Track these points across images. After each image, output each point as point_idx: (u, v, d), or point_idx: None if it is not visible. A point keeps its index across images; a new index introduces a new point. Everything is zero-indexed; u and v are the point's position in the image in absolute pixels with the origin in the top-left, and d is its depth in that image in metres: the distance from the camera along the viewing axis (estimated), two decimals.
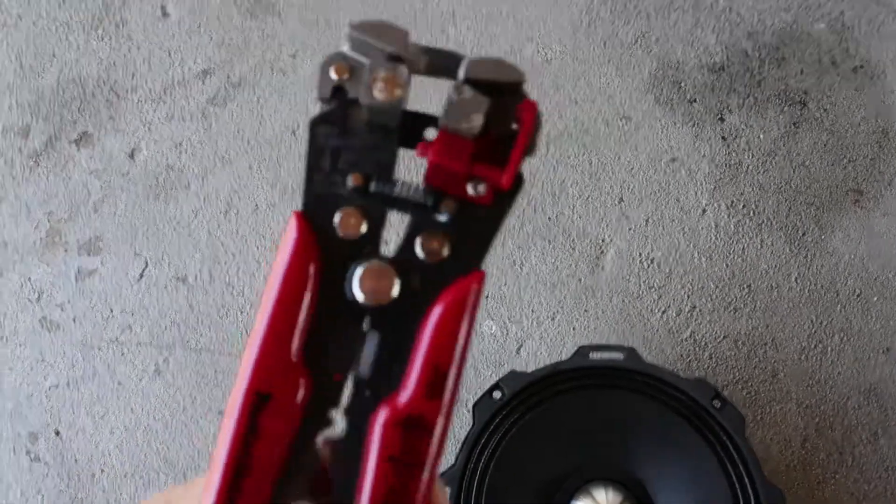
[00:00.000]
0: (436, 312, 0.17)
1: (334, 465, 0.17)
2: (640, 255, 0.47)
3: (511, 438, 0.39)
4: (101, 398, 0.47)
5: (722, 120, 0.50)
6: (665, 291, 0.46)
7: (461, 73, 0.18)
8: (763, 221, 0.48)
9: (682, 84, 0.51)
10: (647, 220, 0.48)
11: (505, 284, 0.47)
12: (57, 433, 0.46)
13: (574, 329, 0.45)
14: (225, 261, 0.48)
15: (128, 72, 0.53)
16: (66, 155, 0.52)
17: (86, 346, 0.47)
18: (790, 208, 0.48)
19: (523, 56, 0.51)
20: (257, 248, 0.49)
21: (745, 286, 0.46)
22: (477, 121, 0.17)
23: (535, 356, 0.45)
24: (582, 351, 0.40)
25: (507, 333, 0.46)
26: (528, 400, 0.39)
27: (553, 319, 0.46)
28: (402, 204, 0.18)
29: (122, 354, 0.47)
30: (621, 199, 0.48)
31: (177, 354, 0.47)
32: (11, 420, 0.47)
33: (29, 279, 0.49)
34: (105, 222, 0.50)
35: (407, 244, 0.18)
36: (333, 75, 0.18)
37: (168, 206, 0.50)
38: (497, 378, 0.39)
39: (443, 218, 0.18)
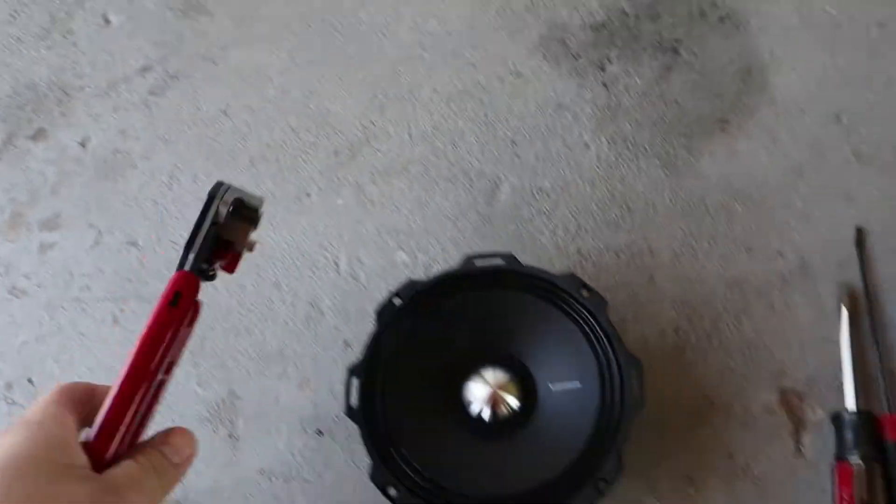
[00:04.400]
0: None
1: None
2: (531, 186, 0.78)
3: (409, 336, 0.67)
4: (67, 348, 0.77)
5: (603, 70, 0.82)
6: (553, 215, 0.77)
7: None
8: (640, 152, 0.79)
9: (568, 42, 0.83)
10: (536, 158, 0.79)
11: (413, 221, 0.77)
12: (30, 381, 0.76)
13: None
14: (170, 223, 0.80)
15: (76, 73, 0.86)
16: (24, 149, 0.84)
17: (51, 307, 0.78)
18: (664, 139, 0.79)
19: (427, 30, 0.84)
20: (197, 210, 0.80)
21: (624, 206, 0.77)
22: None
23: None
24: (469, 259, 0.70)
25: (417, 261, 0.76)
26: (423, 302, 0.68)
27: (456, 245, 0.76)
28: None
29: (83, 310, 0.78)
30: (514, 142, 0.79)
31: (131, 305, 0.77)
32: None
33: None
34: (62, 202, 0.82)
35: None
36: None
37: (117, 183, 0.82)
38: None
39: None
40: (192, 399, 0.72)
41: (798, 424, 0.69)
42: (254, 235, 0.54)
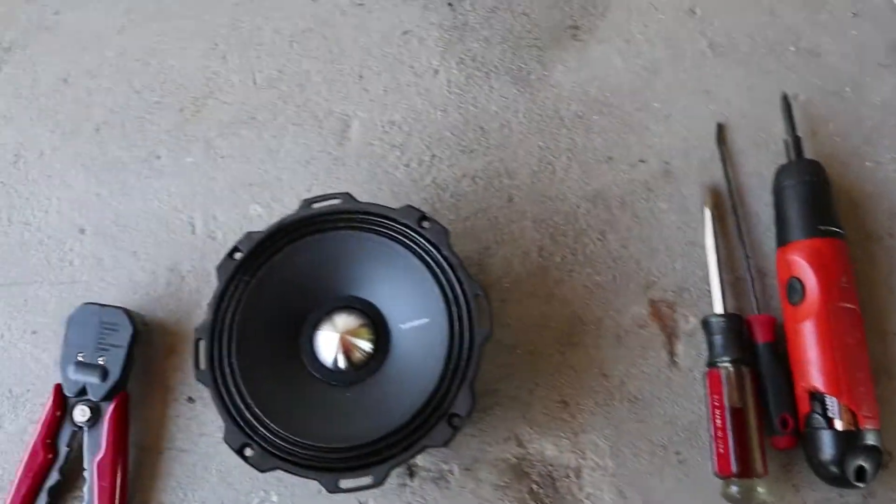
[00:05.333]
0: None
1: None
2: (382, 121, 0.74)
3: (252, 290, 0.63)
4: None
5: None
6: (406, 148, 0.73)
7: None
8: (490, 70, 0.75)
9: None
10: (385, 90, 0.75)
11: (266, 171, 0.74)
12: None
13: None
14: (19, 204, 0.76)
15: None
16: None
17: None
18: (514, 54, 0.75)
19: None
20: (47, 187, 0.76)
21: (478, 129, 0.73)
22: None
23: None
24: (304, 203, 0.66)
25: (272, 212, 0.73)
26: (262, 254, 0.65)
27: (310, 191, 0.73)
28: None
29: None
30: (361, 76, 0.75)
31: None
32: None
33: None
34: None
35: None
36: None
37: None
38: None
39: None
40: (50, 377, 0.69)
41: (671, 335, 0.67)
42: None
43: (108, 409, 0.65)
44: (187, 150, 0.75)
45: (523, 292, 0.68)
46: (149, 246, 0.73)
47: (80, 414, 0.65)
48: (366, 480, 0.58)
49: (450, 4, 0.76)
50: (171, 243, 0.73)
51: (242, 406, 0.61)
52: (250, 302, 0.63)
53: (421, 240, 0.62)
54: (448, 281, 0.61)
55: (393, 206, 0.63)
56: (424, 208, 0.67)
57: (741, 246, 0.67)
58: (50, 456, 0.65)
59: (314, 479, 0.59)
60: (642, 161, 0.70)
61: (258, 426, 0.61)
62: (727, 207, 0.69)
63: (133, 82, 0.77)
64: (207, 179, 0.74)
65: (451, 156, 0.72)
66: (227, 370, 0.62)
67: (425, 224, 0.62)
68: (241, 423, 0.61)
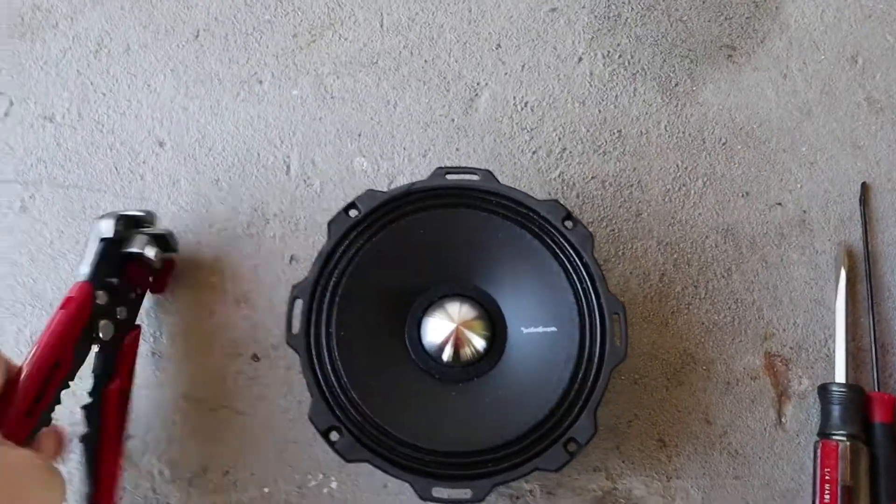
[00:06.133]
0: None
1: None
2: (514, 98, 0.68)
3: (365, 253, 0.57)
4: None
5: None
6: (537, 133, 0.67)
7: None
8: (637, 71, 0.69)
9: None
10: (522, 66, 0.68)
11: (378, 123, 0.67)
12: None
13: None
14: (94, 99, 0.67)
15: None
16: None
17: None
18: (665, 60, 0.69)
19: None
20: (128, 87, 0.68)
21: (615, 131, 0.67)
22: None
23: None
24: (439, 172, 0.59)
25: (378, 169, 0.66)
26: (383, 217, 0.58)
27: (424, 156, 0.66)
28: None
29: None
30: (498, 46, 0.69)
31: (43, 191, 0.66)
32: None
33: None
34: None
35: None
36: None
37: (34, 45, 0.69)
38: None
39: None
40: None
41: (781, 393, 0.62)
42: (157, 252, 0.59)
43: (128, 338, 0.58)
44: (294, 81, 0.67)
45: (637, 316, 0.63)
46: (234, 177, 0.65)
47: (106, 330, 0.56)
48: (464, 493, 0.53)
49: None
50: (260, 180, 0.65)
51: (336, 383, 0.54)
52: (361, 268, 0.56)
53: (562, 240, 0.56)
54: (584, 291, 0.56)
55: (537, 197, 0.57)
56: None
57: (869, 316, 0.63)
58: (69, 357, 0.53)
59: (407, 480, 0.53)
60: (779, 204, 0.66)
61: (350, 409, 0.54)
62: (860, 272, 0.64)
63: None
64: (312, 118, 0.66)
65: (582, 153, 0.66)
66: (323, 339, 0.55)
67: (568, 224, 0.57)
68: (331, 402, 0.54)
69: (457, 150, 0.66)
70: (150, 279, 0.61)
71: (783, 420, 0.62)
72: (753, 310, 0.64)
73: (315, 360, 0.55)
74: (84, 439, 0.54)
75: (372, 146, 0.66)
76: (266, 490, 0.60)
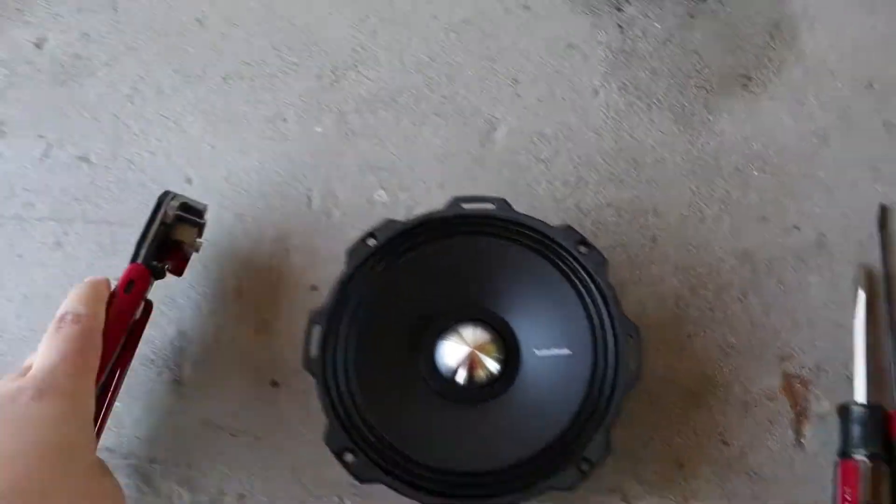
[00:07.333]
0: None
1: None
2: (531, 131, 0.69)
3: (382, 281, 0.58)
4: (1, 270, 0.68)
5: (620, 10, 0.73)
6: (553, 164, 0.68)
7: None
8: (653, 102, 0.70)
9: None
10: (539, 100, 0.70)
11: (398, 158, 0.68)
12: None
13: None
14: (128, 140, 0.70)
15: None
16: None
17: None
18: (680, 91, 0.70)
19: None
20: (160, 128, 0.70)
21: (631, 160, 0.68)
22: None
23: None
24: (456, 201, 0.61)
25: (397, 201, 0.67)
26: (400, 245, 0.59)
27: (442, 188, 0.67)
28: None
29: (23, 229, 0.68)
30: (516, 81, 0.70)
31: (77, 228, 0.68)
32: None
33: None
34: (10, 108, 0.72)
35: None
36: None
37: (73, 91, 0.72)
38: None
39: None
40: None
41: (801, 414, 0.62)
42: (199, 239, 0.61)
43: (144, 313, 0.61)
44: (317, 119, 0.69)
45: (653, 339, 0.63)
46: (258, 211, 0.67)
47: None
48: None
49: (620, 26, 0.71)
50: (283, 213, 0.67)
51: (351, 405, 0.55)
52: (377, 294, 0.57)
53: (576, 265, 0.57)
54: (598, 314, 0.56)
55: (550, 224, 0.58)
56: None
57: (890, 336, 0.62)
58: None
59: (418, 500, 0.53)
60: (797, 228, 0.66)
61: (365, 431, 0.55)
62: (880, 294, 0.64)
63: (273, 38, 0.72)
64: (334, 154, 0.68)
65: (598, 181, 0.67)
66: (340, 364, 0.56)
67: (582, 249, 0.57)
68: (346, 425, 0.55)
69: (474, 180, 0.67)
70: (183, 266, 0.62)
71: (802, 441, 0.61)
72: (771, 332, 0.63)
73: (331, 384, 0.56)
74: None
75: (391, 179, 0.67)
76: None
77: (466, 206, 0.59)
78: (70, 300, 0.51)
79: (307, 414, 0.61)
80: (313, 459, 0.61)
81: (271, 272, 0.66)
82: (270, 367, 0.64)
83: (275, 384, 0.63)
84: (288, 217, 0.67)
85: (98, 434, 0.53)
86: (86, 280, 0.54)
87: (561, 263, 0.57)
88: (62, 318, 0.50)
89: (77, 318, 0.50)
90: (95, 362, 0.49)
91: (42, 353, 0.48)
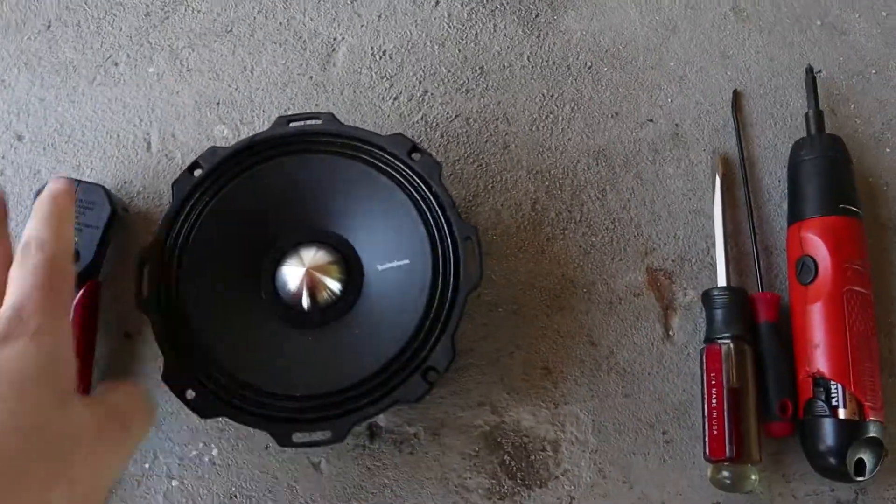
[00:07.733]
0: None
1: None
2: (372, 48, 0.66)
3: (211, 210, 0.55)
4: None
5: None
6: (397, 80, 0.65)
7: None
8: (496, 7, 0.67)
9: None
10: (379, 16, 0.67)
11: (236, 90, 0.65)
12: None
13: None
14: None
15: None
16: None
17: None
18: None
19: None
20: None
21: (477, 68, 0.66)
22: None
23: None
24: (280, 121, 0.58)
25: (239, 134, 0.64)
26: (227, 172, 0.57)
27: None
28: None
29: None
30: None
31: None
32: None
33: None
34: None
35: None
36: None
37: None
38: None
39: None
40: None
41: (667, 307, 0.60)
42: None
43: (76, 296, 0.55)
44: (150, 59, 0.66)
45: (511, 247, 0.61)
46: (95, 160, 0.64)
47: None
48: (323, 435, 0.51)
49: None
50: (121, 160, 0.64)
51: (188, 342, 0.53)
52: (208, 225, 0.55)
53: (409, 173, 0.55)
54: (435, 220, 0.54)
55: (380, 134, 0.55)
56: None
57: (749, 220, 0.61)
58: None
59: (263, 429, 0.51)
60: (651, 121, 0.64)
61: (206, 366, 0.52)
62: (737, 178, 0.62)
63: None
64: (170, 93, 0.65)
65: (444, 93, 0.64)
66: (174, 299, 0.53)
67: (415, 156, 0.55)
68: (185, 361, 0.52)
69: (316, 105, 0.64)
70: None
71: (670, 333, 0.60)
72: (632, 227, 0.62)
73: (165, 321, 0.53)
74: None
75: (231, 113, 0.64)
76: (147, 466, 0.58)
77: (293, 124, 0.56)
78: (32, 223, 0.45)
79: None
80: (173, 408, 0.59)
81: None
82: (119, 319, 0.61)
83: (127, 336, 0.60)
84: (127, 163, 0.64)
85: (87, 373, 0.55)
86: (45, 194, 0.47)
87: (394, 173, 0.55)
88: (26, 246, 0.44)
89: (41, 244, 0.44)
90: (66, 290, 0.44)
91: (9, 290, 0.43)
